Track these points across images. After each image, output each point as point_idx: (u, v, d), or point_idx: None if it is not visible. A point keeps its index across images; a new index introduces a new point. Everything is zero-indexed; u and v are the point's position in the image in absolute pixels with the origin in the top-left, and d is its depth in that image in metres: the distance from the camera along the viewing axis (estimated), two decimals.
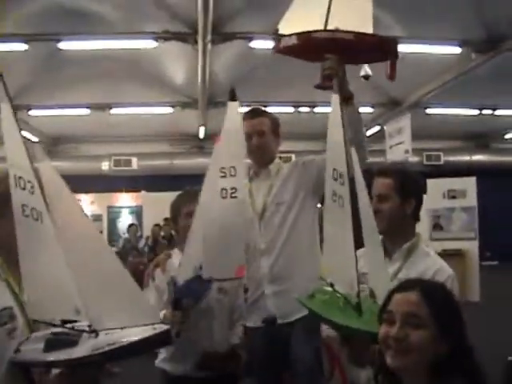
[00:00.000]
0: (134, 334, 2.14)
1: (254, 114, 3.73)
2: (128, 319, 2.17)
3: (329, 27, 3.12)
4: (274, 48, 3.34)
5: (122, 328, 2.14)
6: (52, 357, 2.12)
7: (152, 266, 3.47)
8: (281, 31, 3.29)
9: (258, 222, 3.61)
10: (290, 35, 3.20)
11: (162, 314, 2.85)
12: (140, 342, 2.13)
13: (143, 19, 10.43)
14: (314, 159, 3.67)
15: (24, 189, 2.19)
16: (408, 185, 2.98)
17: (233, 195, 2.73)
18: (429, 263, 2.90)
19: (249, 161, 3.76)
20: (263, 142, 3.65)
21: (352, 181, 2.46)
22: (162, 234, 13.38)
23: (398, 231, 2.90)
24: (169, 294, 3.00)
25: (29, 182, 2.20)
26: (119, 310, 2.18)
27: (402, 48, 11.06)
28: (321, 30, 3.13)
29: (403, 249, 2.90)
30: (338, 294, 2.53)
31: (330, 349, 3.50)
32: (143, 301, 2.31)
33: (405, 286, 2.02)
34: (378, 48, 3.31)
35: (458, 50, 11.02)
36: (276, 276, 3.50)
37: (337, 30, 3.09)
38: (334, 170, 2.55)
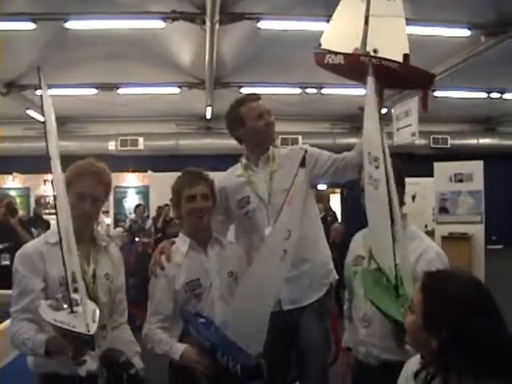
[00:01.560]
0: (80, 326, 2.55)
1: (256, 96, 3.80)
2: None
3: (368, 48, 3.35)
4: (316, 60, 3.51)
5: None
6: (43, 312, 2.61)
7: (157, 253, 3.42)
8: (323, 45, 3.51)
9: (265, 208, 3.62)
10: (336, 54, 3.41)
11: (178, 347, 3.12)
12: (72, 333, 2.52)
13: None
14: (320, 155, 3.69)
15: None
16: (395, 174, 3.07)
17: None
18: (416, 243, 3.11)
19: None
20: (273, 120, 3.73)
21: None
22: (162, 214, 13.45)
23: None
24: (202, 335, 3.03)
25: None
26: None
27: (410, 30, 10.97)
28: (368, 55, 3.34)
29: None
30: (381, 274, 2.67)
31: (335, 331, 3.54)
32: None
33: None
34: (418, 79, 3.54)
35: (467, 32, 10.93)
36: None
37: (383, 58, 3.30)
38: (369, 153, 2.63)
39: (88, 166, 3.13)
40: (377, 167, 2.64)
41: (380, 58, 3.29)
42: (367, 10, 3.34)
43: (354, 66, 3.35)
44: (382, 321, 3.05)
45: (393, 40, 3.36)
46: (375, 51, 3.31)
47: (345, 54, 3.40)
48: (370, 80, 2.77)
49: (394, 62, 3.30)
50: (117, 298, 3.22)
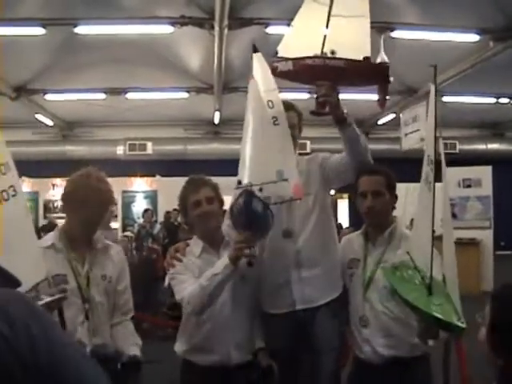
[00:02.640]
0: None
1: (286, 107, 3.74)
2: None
3: (325, 49, 3.27)
4: (271, 70, 3.45)
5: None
6: None
7: (172, 251, 3.46)
8: (280, 54, 3.45)
9: (284, 211, 3.58)
10: (286, 60, 3.40)
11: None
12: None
13: (160, 4, 10.43)
14: (330, 157, 3.68)
15: None
16: (393, 181, 3.37)
17: (275, 122, 3.24)
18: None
19: None
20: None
21: None
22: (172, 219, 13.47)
23: (384, 222, 3.29)
24: (238, 213, 3.04)
25: None
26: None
27: (419, 35, 10.93)
28: (313, 57, 3.28)
29: (385, 234, 3.29)
30: (417, 272, 2.77)
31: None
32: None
33: None
34: (370, 73, 3.46)
35: (476, 37, 10.92)
36: (302, 262, 3.47)
37: (328, 57, 3.25)
38: (428, 156, 2.76)
39: (86, 175, 3.24)
40: (432, 170, 2.73)
41: (325, 58, 3.24)
42: (329, 10, 3.23)
43: (302, 70, 3.34)
44: (380, 320, 3.17)
45: (353, 40, 3.29)
46: (333, 52, 3.24)
47: (294, 60, 3.35)
48: (432, 89, 2.79)
49: (341, 59, 3.25)
50: (121, 299, 3.34)
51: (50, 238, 3.25)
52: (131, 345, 3.26)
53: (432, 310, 2.59)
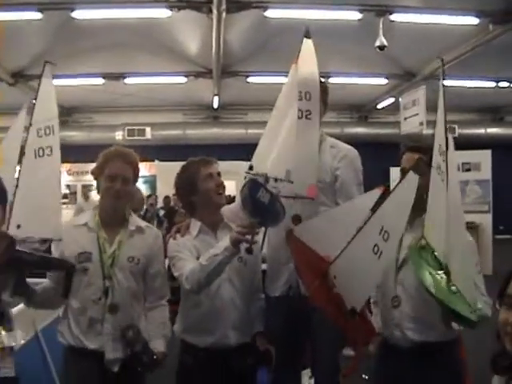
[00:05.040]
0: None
1: None
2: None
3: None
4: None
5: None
6: None
7: (173, 232, 3.49)
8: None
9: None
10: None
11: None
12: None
13: None
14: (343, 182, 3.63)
15: None
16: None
17: (308, 117, 3.12)
18: None
19: None
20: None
21: None
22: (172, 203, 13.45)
23: (423, 202, 2.93)
24: (243, 200, 3.03)
25: None
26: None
27: (418, 19, 10.86)
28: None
29: (423, 216, 2.98)
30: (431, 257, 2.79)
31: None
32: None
33: None
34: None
35: (475, 20, 10.84)
36: None
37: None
38: (440, 145, 2.77)
39: (115, 150, 3.40)
40: (444, 160, 2.75)
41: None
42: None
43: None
44: (411, 301, 3.10)
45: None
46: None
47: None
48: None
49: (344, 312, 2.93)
50: (156, 282, 3.42)
51: (85, 216, 3.40)
52: (158, 338, 3.30)
53: (445, 299, 2.58)
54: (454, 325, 2.90)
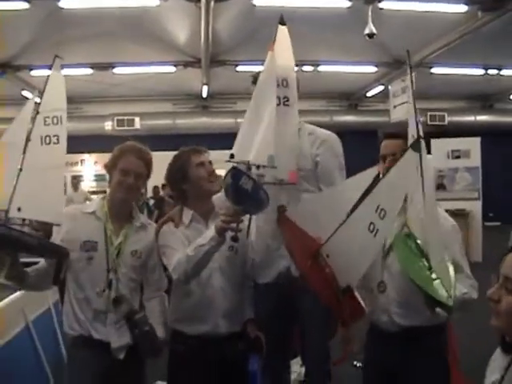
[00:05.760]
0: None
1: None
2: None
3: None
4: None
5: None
6: None
7: (166, 219, 3.50)
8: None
9: (276, 188, 3.57)
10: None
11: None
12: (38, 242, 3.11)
13: None
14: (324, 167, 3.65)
15: None
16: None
17: (286, 103, 3.12)
18: None
19: None
20: None
21: None
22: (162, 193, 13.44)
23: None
24: (226, 188, 2.97)
25: None
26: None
27: (407, 6, 10.83)
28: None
29: (406, 205, 2.99)
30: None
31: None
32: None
33: None
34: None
35: (464, 8, 10.85)
36: None
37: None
38: (412, 135, 2.74)
39: (129, 145, 3.47)
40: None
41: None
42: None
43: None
44: (397, 286, 3.12)
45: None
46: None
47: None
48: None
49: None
50: (155, 275, 3.48)
51: (93, 205, 3.44)
52: (159, 324, 3.34)
53: (425, 286, 2.61)
54: (440, 311, 2.93)
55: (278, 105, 3.05)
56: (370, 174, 2.83)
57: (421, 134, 2.69)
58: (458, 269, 2.89)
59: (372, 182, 2.78)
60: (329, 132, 3.76)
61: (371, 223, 2.70)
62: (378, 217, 2.68)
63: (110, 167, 3.39)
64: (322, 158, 3.62)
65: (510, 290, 1.83)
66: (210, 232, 3.03)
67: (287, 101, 3.12)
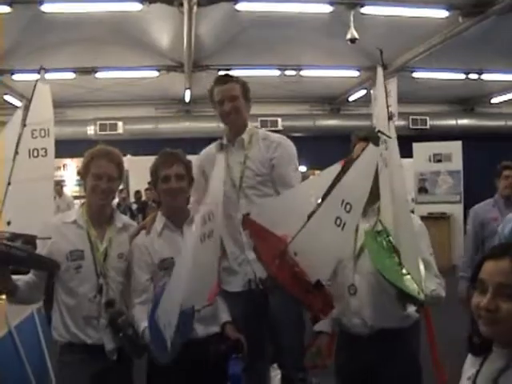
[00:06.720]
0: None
1: (224, 80, 3.82)
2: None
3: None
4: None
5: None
6: None
7: (140, 227, 3.56)
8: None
9: (236, 192, 3.66)
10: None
11: None
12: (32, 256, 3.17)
13: None
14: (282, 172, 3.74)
15: None
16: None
17: (209, 237, 2.92)
18: None
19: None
20: (236, 106, 3.74)
21: None
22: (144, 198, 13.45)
23: (375, 192, 2.99)
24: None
25: None
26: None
27: (388, 11, 10.88)
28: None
29: (376, 206, 3.15)
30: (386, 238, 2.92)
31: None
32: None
33: (496, 252, 1.96)
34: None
35: (445, 13, 10.92)
36: None
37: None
38: (379, 131, 2.85)
39: (99, 149, 3.48)
40: (386, 149, 2.82)
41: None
42: None
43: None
44: (369, 288, 3.15)
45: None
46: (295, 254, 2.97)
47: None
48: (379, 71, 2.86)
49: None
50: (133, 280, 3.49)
51: (73, 213, 3.49)
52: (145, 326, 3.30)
53: (396, 280, 2.65)
54: (412, 312, 2.98)
55: (203, 241, 2.88)
56: (333, 171, 2.88)
57: (392, 132, 2.75)
58: (426, 267, 2.93)
59: (335, 177, 2.84)
60: (282, 136, 3.88)
61: (337, 217, 2.76)
62: (343, 210, 2.75)
63: (83, 173, 3.43)
64: (278, 161, 3.74)
65: (509, 296, 1.83)
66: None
67: (211, 234, 2.93)
